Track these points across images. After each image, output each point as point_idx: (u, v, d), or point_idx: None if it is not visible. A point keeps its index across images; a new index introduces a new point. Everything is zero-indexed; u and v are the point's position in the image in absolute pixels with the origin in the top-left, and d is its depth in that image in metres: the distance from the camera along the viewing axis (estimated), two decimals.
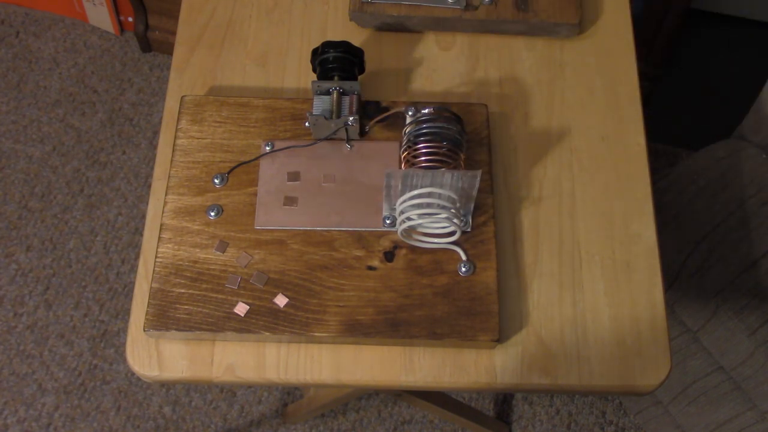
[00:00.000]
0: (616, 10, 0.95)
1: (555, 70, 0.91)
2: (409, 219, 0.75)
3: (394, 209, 0.77)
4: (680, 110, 1.81)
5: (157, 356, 0.76)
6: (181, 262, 0.77)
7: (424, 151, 0.77)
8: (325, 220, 0.79)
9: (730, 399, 1.18)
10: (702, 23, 1.90)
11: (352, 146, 0.83)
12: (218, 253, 0.78)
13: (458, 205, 0.76)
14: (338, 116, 0.81)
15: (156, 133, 1.76)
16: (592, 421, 1.49)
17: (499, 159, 0.86)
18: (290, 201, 0.80)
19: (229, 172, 0.82)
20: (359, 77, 0.85)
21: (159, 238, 0.79)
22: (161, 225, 0.79)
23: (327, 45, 0.83)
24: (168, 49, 1.82)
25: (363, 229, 0.79)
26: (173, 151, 0.83)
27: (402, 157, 0.79)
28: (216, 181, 0.81)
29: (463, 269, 0.77)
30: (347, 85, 0.82)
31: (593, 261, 0.81)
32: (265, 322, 0.75)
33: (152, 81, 1.82)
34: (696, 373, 1.19)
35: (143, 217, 1.54)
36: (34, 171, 1.71)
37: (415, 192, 0.74)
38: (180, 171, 0.82)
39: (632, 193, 0.84)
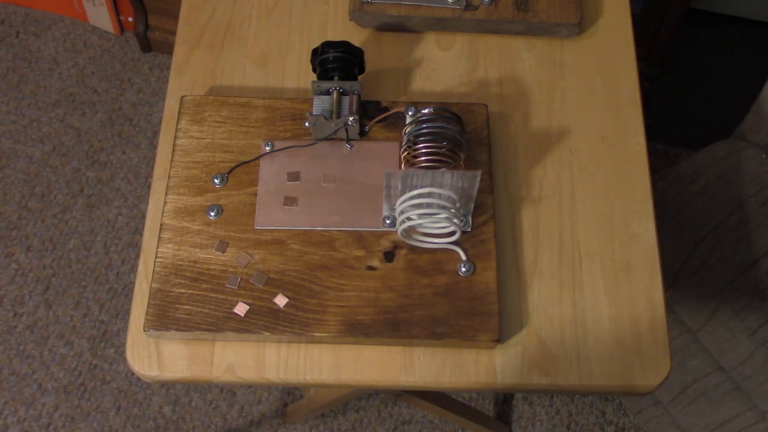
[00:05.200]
0: (616, 10, 0.95)
1: (555, 70, 0.91)
2: (409, 219, 0.75)
3: (394, 209, 0.77)
4: (680, 110, 1.81)
5: (157, 356, 0.76)
6: (181, 262, 0.77)
7: (424, 151, 0.77)
8: (325, 220, 0.79)
9: (730, 399, 1.18)
10: (702, 23, 1.91)
11: (352, 146, 0.83)
12: (218, 253, 0.78)
13: (458, 205, 0.76)
14: (338, 116, 0.81)
15: (156, 133, 1.76)
16: (592, 421, 1.49)
17: (499, 159, 0.86)
18: (290, 201, 0.80)
19: (229, 172, 0.82)
20: (359, 77, 0.85)
21: (159, 238, 0.79)
22: (161, 225, 0.79)
23: (327, 45, 0.83)
24: (168, 49, 1.82)
25: (363, 229, 0.79)
26: (173, 151, 0.83)
27: (402, 157, 0.79)
28: (216, 181, 0.81)
29: (463, 269, 0.77)
30: (347, 85, 0.82)
31: (593, 261, 0.81)
32: (265, 322, 0.75)
33: (152, 81, 1.82)
34: (696, 373, 1.19)
35: (143, 217, 1.54)
36: (34, 171, 1.71)
37: (415, 192, 0.74)
38: (180, 171, 0.82)
39: (632, 193, 0.84)
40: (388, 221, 0.79)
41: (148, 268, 0.79)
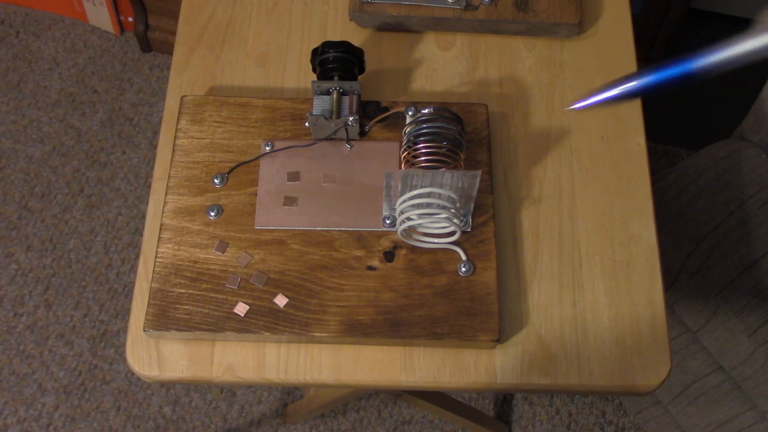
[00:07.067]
0: (616, 10, 0.95)
1: (555, 70, 0.91)
2: (409, 219, 0.75)
3: (394, 209, 0.77)
4: (680, 110, 1.81)
5: (157, 356, 0.76)
6: (181, 262, 0.77)
7: (424, 151, 0.77)
8: (325, 220, 0.79)
9: (730, 399, 1.18)
10: (702, 23, 1.91)
11: (352, 146, 0.83)
12: (218, 253, 0.78)
13: (458, 205, 0.76)
14: (338, 116, 0.81)
15: (156, 133, 1.76)
16: (592, 421, 1.49)
17: (499, 159, 0.86)
18: (290, 201, 0.80)
19: (229, 172, 0.82)
20: (359, 77, 0.85)
21: (159, 238, 0.79)
22: (161, 225, 0.79)
23: (327, 45, 0.83)
24: (168, 49, 1.82)
25: (363, 229, 0.79)
26: (173, 151, 0.83)
27: (402, 157, 0.79)
28: (216, 181, 0.81)
29: (463, 269, 0.77)
30: (347, 85, 0.82)
31: (593, 261, 0.81)
32: (265, 322, 0.75)
33: (152, 81, 1.82)
34: (696, 373, 1.19)
35: (143, 217, 1.54)
36: (34, 171, 1.71)
37: (415, 192, 0.74)
38: (180, 171, 0.82)
39: (632, 193, 0.84)
40: (388, 221, 0.79)
41: (148, 268, 0.79)
